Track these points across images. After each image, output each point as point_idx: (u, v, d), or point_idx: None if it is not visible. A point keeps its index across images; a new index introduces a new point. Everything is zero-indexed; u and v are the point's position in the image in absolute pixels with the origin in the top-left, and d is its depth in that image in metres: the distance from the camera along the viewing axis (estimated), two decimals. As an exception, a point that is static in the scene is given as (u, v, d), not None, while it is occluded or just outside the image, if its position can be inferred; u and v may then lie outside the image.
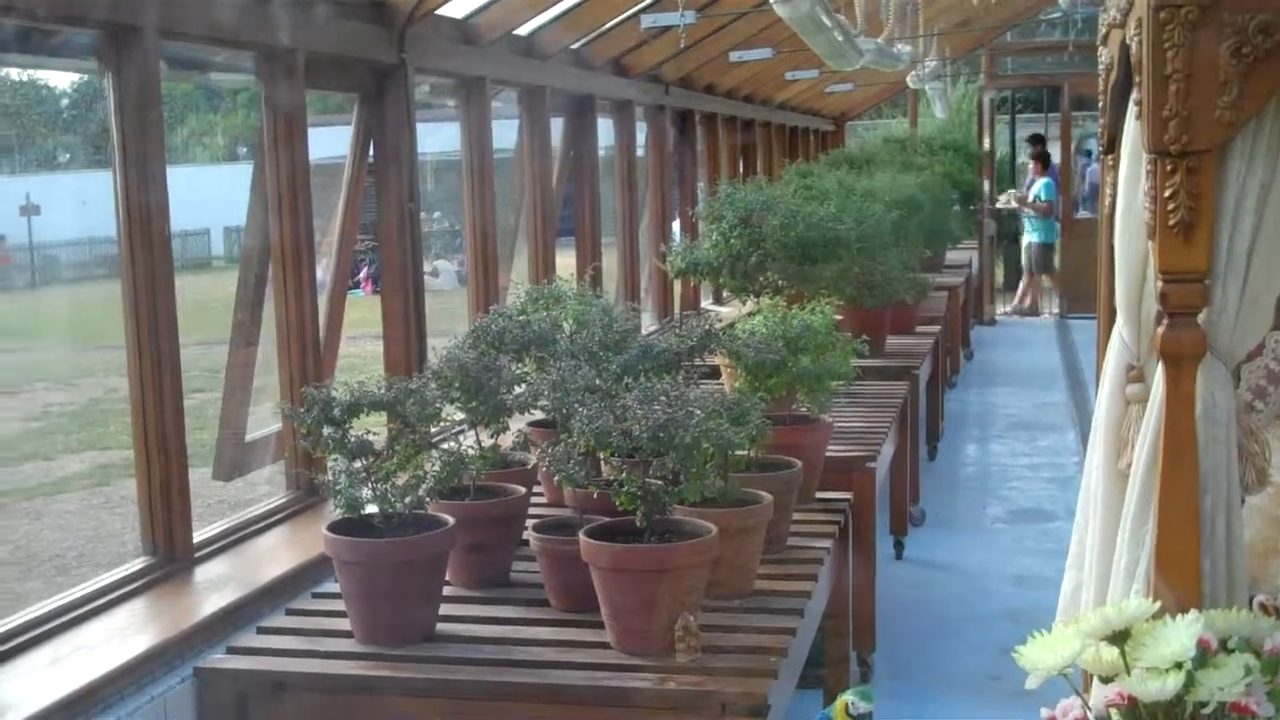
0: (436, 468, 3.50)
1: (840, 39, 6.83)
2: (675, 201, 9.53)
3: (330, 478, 3.42)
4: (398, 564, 3.30)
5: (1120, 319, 2.46)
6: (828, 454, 4.75)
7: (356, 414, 3.41)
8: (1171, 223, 2.30)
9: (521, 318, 4.27)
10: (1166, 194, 2.30)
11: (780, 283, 5.76)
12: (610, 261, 8.07)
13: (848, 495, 4.73)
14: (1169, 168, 2.30)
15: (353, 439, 3.39)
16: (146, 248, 3.57)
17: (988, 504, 8.10)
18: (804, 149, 14.26)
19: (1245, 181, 2.34)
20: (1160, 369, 2.38)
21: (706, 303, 9.57)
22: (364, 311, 7.66)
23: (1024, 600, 6.12)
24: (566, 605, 3.51)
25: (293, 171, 4.27)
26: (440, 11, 5.36)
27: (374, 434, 3.44)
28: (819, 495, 4.56)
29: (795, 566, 3.91)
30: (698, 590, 3.29)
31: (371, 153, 5.03)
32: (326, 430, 3.38)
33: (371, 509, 3.38)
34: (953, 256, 12.65)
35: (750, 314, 5.20)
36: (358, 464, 3.38)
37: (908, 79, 11.82)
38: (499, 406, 3.70)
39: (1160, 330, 2.37)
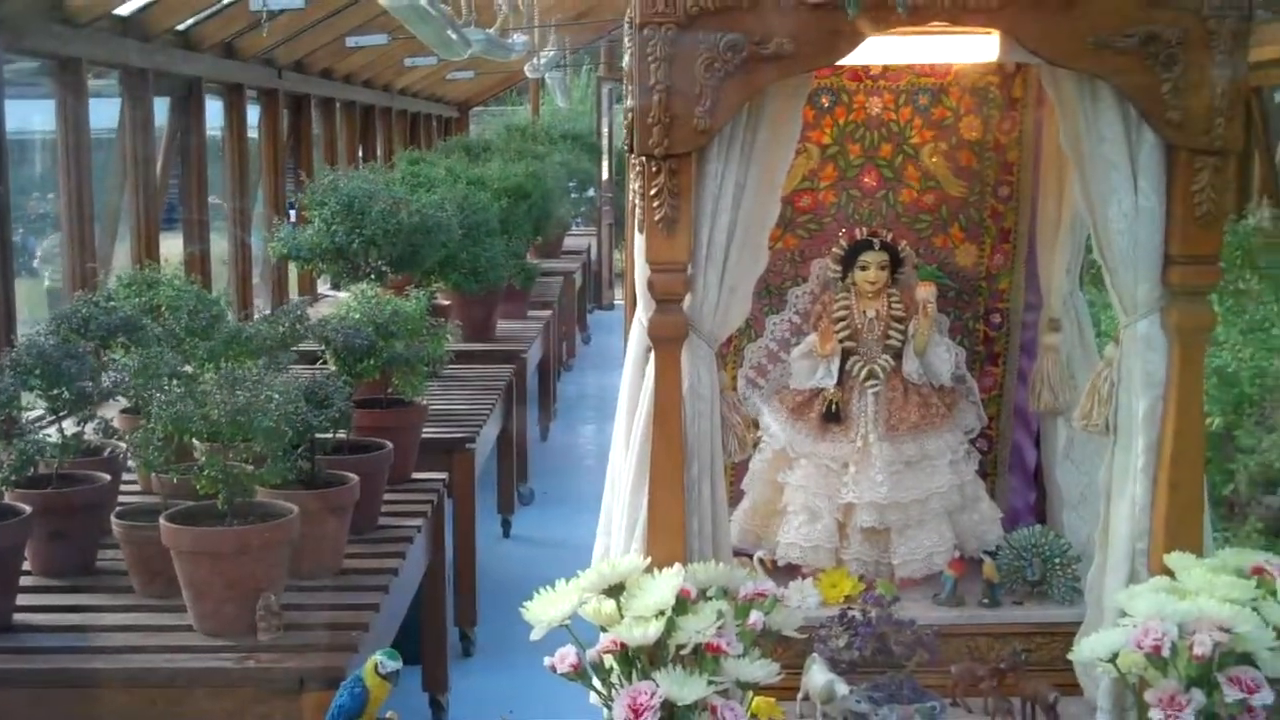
0: (13, 457, 3.48)
1: (446, 29, 6.97)
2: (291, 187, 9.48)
3: (-100, 471, 3.36)
4: (-36, 555, 3.27)
5: (639, 305, 2.73)
6: (427, 435, 4.90)
7: (-78, 404, 3.35)
8: (657, 218, 2.58)
9: (110, 303, 4.25)
10: (652, 192, 2.57)
11: (385, 269, 5.87)
12: (223, 248, 7.98)
13: (444, 475, 4.88)
14: (654, 169, 2.58)
15: (-80, 430, 3.34)
16: None
17: (597, 482, 8.42)
18: (426, 136, 14.35)
19: (723, 182, 2.64)
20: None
21: (325, 288, 9.57)
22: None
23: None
24: (150, 590, 3.54)
25: None
26: (33, -10, 5.24)
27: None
28: (415, 476, 4.71)
29: (384, 545, 4.05)
30: (279, 570, 3.37)
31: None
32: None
33: (-55, 501, 3.34)
34: (572, 243, 13.01)
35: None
36: (-73, 456, 3.33)
37: (525, 69, 12.06)
38: (82, 394, 3.69)
39: (649, 315, 2.66)
